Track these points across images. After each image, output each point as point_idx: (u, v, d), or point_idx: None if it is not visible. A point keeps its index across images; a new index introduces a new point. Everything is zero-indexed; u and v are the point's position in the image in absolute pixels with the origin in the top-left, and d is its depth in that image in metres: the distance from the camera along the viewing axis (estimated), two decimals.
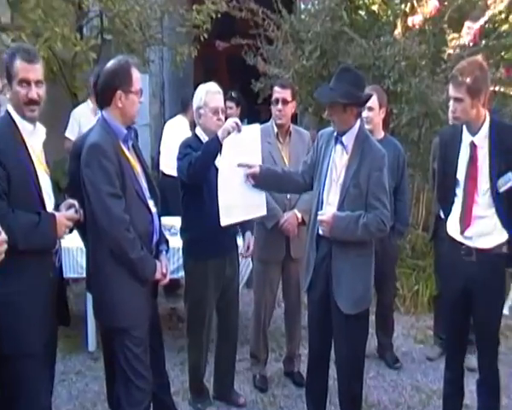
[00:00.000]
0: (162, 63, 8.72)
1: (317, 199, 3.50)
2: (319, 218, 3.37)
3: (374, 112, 4.41)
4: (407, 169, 4.75)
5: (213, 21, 6.62)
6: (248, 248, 4.08)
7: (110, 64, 3.06)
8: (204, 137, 3.72)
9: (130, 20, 6.06)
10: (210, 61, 10.69)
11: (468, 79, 3.11)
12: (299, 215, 4.14)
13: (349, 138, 3.37)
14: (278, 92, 4.21)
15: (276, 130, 4.25)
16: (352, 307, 3.36)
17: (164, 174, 6.39)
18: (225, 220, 3.45)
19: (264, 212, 3.71)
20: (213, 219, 3.44)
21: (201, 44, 6.84)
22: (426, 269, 5.89)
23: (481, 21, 5.55)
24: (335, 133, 3.43)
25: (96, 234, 3.00)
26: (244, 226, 4.05)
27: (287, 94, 4.19)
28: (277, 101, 4.19)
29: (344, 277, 3.36)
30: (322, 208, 3.43)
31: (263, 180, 3.56)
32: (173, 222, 4.71)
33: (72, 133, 5.68)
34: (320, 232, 3.42)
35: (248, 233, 4.10)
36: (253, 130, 3.65)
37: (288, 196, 4.14)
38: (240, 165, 3.48)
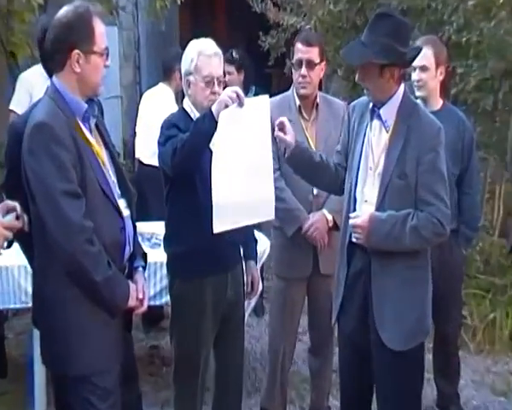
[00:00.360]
0: (136, 12, 8.72)
1: (348, 195, 3.50)
2: (351, 221, 3.37)
3: (428, 73, 4.41)
4: (476, 151, 4.74)
5: None
6: (253, 286, 4.08)
7: (63, 13, 3.00)
8: (194, 113, 3.71)
9: None
10: (202, 8, 10.71)
11: None
12: (330, 217, 4.20)
13: (389, 110, 3.36)
14: (302, 51, 4.21)
15: (298, 102, 4.30)
16: (400, 342, 3.35)
17: (141, 163, 6.43)
18: (219, 226, 3.39)
19: (271, 215, 3.66)
20: (210, 222, 3.39)
21: None
22: (506, 290, 5.87)
23: None
24: (371, 105, 3.44)
25: (46, 248, 2.96)
26: (247, 253, 4.05)
27: (313, 53, 4.21)
28: (300, 63, 4.21)
29: (388, 299, 3.36)
30: (355, 208, 3.44)
31: (295, 161, 3.60)
32: (154, 229, 4.75)
33: (19, 105, 5.62)
34: (353, 240, 3.43)
35: (252, 264, 4.08)
36: (261, 102, 3.59)
37: (315, 190, 4.17)
38: (277, 136, 3.50)
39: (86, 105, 3.06)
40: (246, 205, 3.51)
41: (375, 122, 3.42)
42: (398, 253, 3.33)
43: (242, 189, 3.49)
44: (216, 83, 3.67)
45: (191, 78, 3.69)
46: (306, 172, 3.73)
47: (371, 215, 3.32)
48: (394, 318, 3.36)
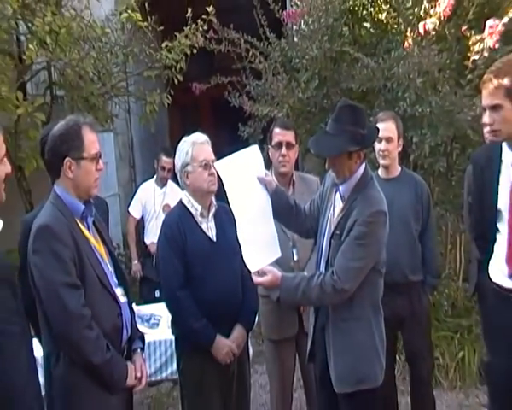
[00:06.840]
0: (129, 117, 8.69)
1: (316, 256, 3.51)
2: (256, 280, 3.40)
3: (392, 144, 4.35)
4: (434, 208, 4.74)
5: (188, 59, 6.42)
6: None
7: (57, 127, 3.07)
8: (192, 204, 3.70)
9: (86, 69, 5.80)
10: (189, 108, 10.80)
11: (505, 81, 3.01)
12: None
13: (349, 185, 3.35)
14: (281, 134, 4.30)
15: (275, 181, 4.07)
16: (342, 384, 3.31)
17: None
18: (251, 266, 3.44)
19: (278, 253, 3.61)
20: (212, 294, 3.54)
21: (176, 89, 6.70)
22: (471, 329, 5.75)
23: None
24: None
25: (51, 338, 2.96)
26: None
27: (290, 136, 4.30)
28: (280, 145, 4.28)
29: (336, 346, 3.33)
30: (320, 267, 3.43)
31: (275, 201, 3.59)
32: (152, 310, 4.75)
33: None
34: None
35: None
36: (252, 152, 3.64)
37: (296, 256, 4.18)
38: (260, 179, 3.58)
39: (83, 206, 3.08)
40: (263, 244, 3.53)
41: (338, 195, 3.41)
42: (339, 307, 3.28)
43: (257, 230, 3.52)
44: (212, 165, 3.64)
45: (189, 168, 3.66)
46: (283, 212, 3.65)
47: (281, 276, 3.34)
48: (340, 362, 3.31)
